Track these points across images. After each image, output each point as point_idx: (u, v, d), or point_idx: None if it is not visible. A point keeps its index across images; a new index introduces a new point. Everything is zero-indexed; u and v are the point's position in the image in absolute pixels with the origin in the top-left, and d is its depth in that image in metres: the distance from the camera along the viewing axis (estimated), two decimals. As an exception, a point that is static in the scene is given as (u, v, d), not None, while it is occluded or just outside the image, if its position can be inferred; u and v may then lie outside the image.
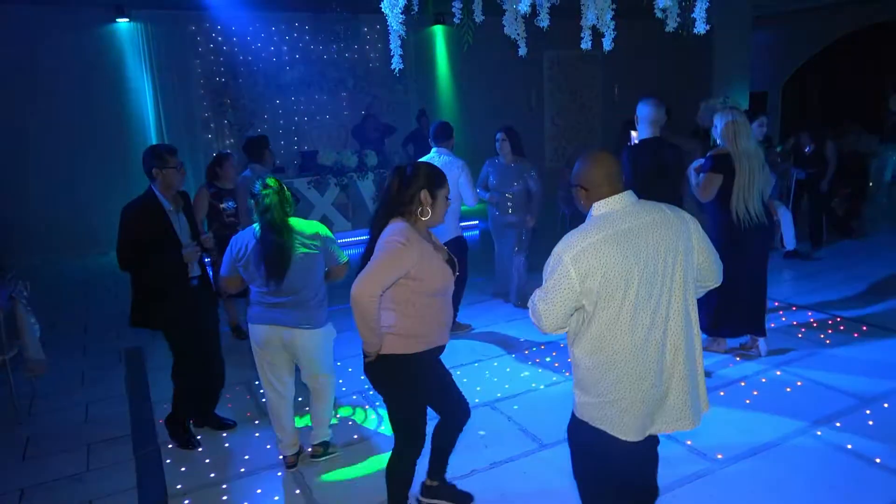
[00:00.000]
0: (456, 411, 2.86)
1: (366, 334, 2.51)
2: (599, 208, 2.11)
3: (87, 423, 4.17)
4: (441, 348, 2.71)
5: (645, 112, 4.26)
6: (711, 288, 2.28)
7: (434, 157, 5.03)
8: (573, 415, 2.26)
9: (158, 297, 3.54)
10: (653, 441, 2.26)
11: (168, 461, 3.61)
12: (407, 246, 2.46)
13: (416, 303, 2.56)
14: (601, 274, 1.99)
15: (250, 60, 9.60)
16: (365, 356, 2.62)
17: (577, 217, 8.48)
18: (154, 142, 9.15)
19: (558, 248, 2.07)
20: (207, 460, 3.60)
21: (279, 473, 3.45)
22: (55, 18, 8.45)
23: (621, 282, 2.00)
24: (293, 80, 9.91)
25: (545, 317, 2.09)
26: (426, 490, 3.06)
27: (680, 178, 4.43)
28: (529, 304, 2.18)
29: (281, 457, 3.52)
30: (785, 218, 7.27)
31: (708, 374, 4.16)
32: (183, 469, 3.52)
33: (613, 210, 2.09)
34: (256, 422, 4.04)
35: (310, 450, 3.54)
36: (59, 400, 4.53)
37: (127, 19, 8.77)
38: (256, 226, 3.19)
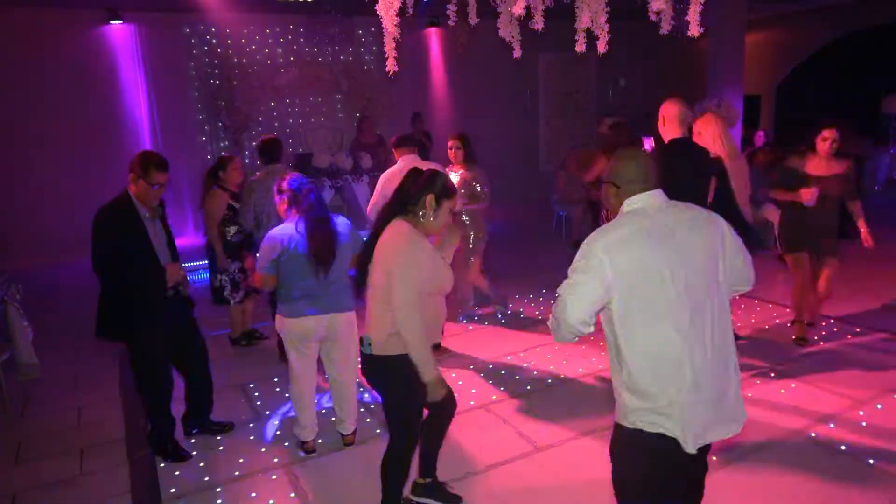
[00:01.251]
0: (447, 405, 2.88)
1: (424, 357, 2.59)
2: (632, 203, 2.06)
3: (80, 427, 4.15)
4: (436, 345, 2.74)
5: (674, 111, 4.02)
6: (743, 291, 2.19)
7: (404, 165, 4.64)
8: (616, 424, 2.09)
9: (126, 307, 3.41)
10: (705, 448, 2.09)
11: (162, 465, 3.59)
12: (413, 246, 2.58)
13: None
14: (636, 265, 1.93)
15: (245, 63, 9.57)
16: (427, 387, 2.64)
17: (571, 219, 8.51)
18: (148, 145, 9.12)
19: (591, 238, 2.00)
20: (202, 464, 3.58)
21: (273, 476, 3.43)
22: (48, 21, 8.42)
23: (657, 276, 1.93)
24: (287, 83, 9.90)
25: (570, 308, 1.95)
26: (417, 488, 3.08)
27: (710, 180, 4.22)
28: (555, 304, 2.05)
29: (301, 440, 3.62)
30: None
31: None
32: (177, 473, 3.50)
33: (646, 206, 2.04)
34: (251, 424, 4.02)
35: (347, 436, 3.68)
36: (51, 403, 4.50)
37: (120, 21, 8.74)
38: (284, 224, 3.38)
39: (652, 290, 1.94)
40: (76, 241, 8.83)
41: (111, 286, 3.41)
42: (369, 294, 2.71)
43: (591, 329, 2.00)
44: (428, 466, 3.06)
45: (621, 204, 2.09)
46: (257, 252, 3.68)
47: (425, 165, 4.26)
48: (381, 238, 2.65)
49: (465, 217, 5.31)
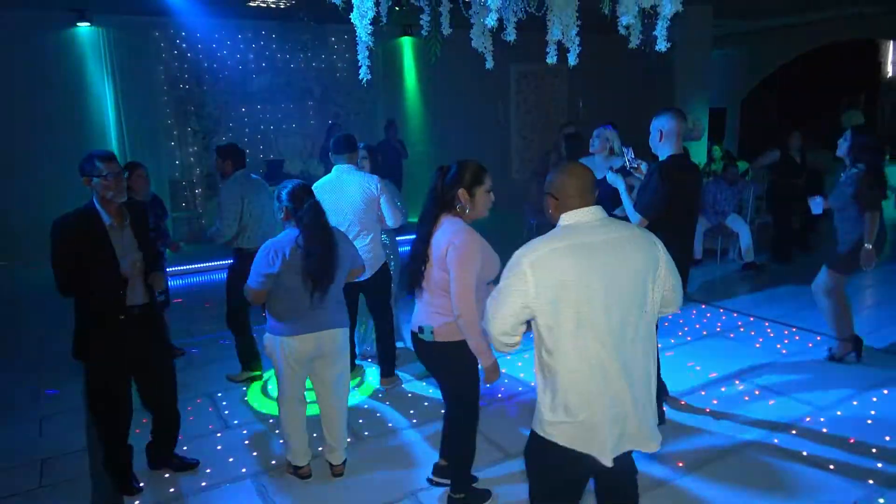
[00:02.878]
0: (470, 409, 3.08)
1: (482, 345, 2.73)
2: (567, 219, 2.08)
3: (40, 438, 4.04)
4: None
5: (672, 125, 3.69)
6: (670, 314, 2.26)
7: (338, 174, 4.30)
8: (533, 432, 2.14)
9: (90, 325, 3.15)
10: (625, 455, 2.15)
11: (126, 476, 3.51)
12: (471, 241, 2.73)
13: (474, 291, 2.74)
14: (559, 282, 1.94)
15: (216, 68, 9.48)
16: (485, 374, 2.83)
17: (543, 227, 8.58)
18: (115, 149, 8.95)
19: (518, 252, 2.03)
20: (167, 475, 3.51)
21: (242, 487, 3.39)
22: (12, 21, 8.23)
23: (581, 294, 1.94)
24: (259, 89, 9.83)
25: (493, 319, 2.04)
26: (438, 470, 3.28)
27: (699, 199, 4.08)
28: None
29: (294, 467, 3.41)
30: (743, 232, 7.50)
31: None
32: (141, 484, 3.42)
33: (581, 222, 2.06)
34: (219, 434, 3.96)
35: (337, 466, 3.44)
36: (11, 414, 4.38)
37: (88, 24, 8.59)
38: (283, 234, 3.17)
39: (577, 307, 1.95)
40: (42, 245, 8.63)
41: (77, 303, 3.16)
42: (425, 287, 2.88)
43: (515, 340, 2.08)
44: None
45: (560, 217, 2.11)
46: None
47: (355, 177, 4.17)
48: (434, 237, 2.81)
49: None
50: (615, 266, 1.99)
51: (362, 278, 4.08)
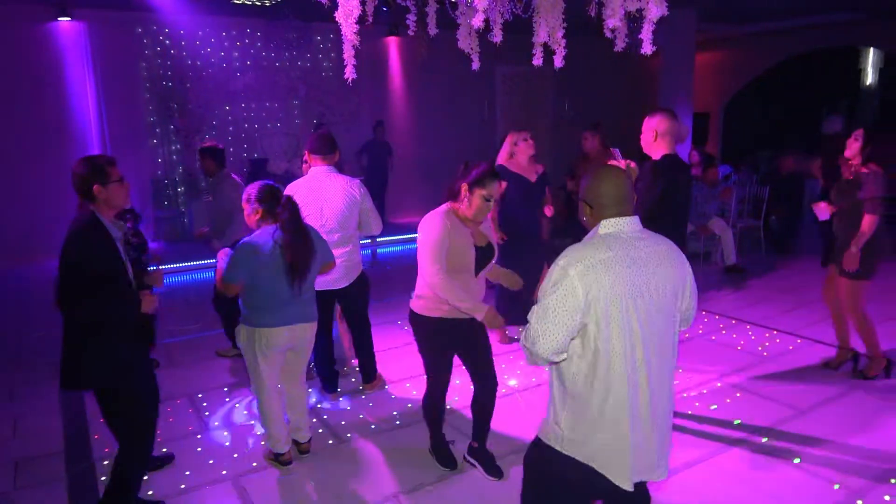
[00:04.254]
0: (483, 381, 3.33)
1: (464, 306, 2.96)
2: (607, 227, 1.96)
3: (15, 439, 3.96)
4: (466, 320, 3.10)
5: (666, 126, 3.70)
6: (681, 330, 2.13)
7: (317, 176, 4.06)
8: (543, 444, 2.05)
9: (105, 347, 2.80)
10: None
11: (103, 478, 3.45)
12: (431, 221, 3.01)
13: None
14: (606, 294, 1.84)
15: (199, 65, 9.39)
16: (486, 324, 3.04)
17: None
18: (96, 147, 8.83)
19: (562, 262, 1.88)
20: (146, 477, 3.46)
21: (222, 488, 3.34)
22: (-9, 15, 8.10)
23: (624, 307, 1.85)
24: (243, 87, 9.76)
25: (543, 338, 1.85)
26: (470, 450, 3.48)
27: (689, 201, 4.12)
28: (524, 333, 1.97)
29: (276, 455, 3.49)
30: (726, 235, 7.57)
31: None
32: (119, 486, 3.37)
33: (622, 231, 1.95)
34: (198, 436, 3.91)
35: (304, 444, 3.63)
36: (-15, 415, 4.29)
37: (69, 19, 8.46)
38: (259, 232, 3.27)
39: (616, 319, 1.85)
40: (15, 244, 8.52)
41: (84, 324, 2.76)
42: None
43: (565, 356, 1.91)
44: (476, 433, 3.42)
45: (596, 223, 2.00)
46: None
47: (335, 178, 4.03)
48: None
49: None
50: (656, 280, 1.92)
51: (340, 286, 4.09)
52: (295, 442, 3.61)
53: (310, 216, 3.66)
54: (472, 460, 3.44)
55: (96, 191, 2.76)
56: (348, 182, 4.10)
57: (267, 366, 3.36)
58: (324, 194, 4.01)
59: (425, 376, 3.35)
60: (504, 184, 4.62)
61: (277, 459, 3.50)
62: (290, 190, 3.87)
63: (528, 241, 5.00)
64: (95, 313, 2.74)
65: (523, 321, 2.04)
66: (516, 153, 5.00)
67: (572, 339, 1.89)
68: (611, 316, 1.85)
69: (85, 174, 2.76)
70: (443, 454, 3.49)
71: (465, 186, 3.00)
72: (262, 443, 3.70)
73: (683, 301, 2.03)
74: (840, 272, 4.33)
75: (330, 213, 4.01)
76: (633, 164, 3.78)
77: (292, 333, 3.35)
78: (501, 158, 5.01)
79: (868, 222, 4.11)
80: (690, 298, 2.06)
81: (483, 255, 3.15)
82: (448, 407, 4.27)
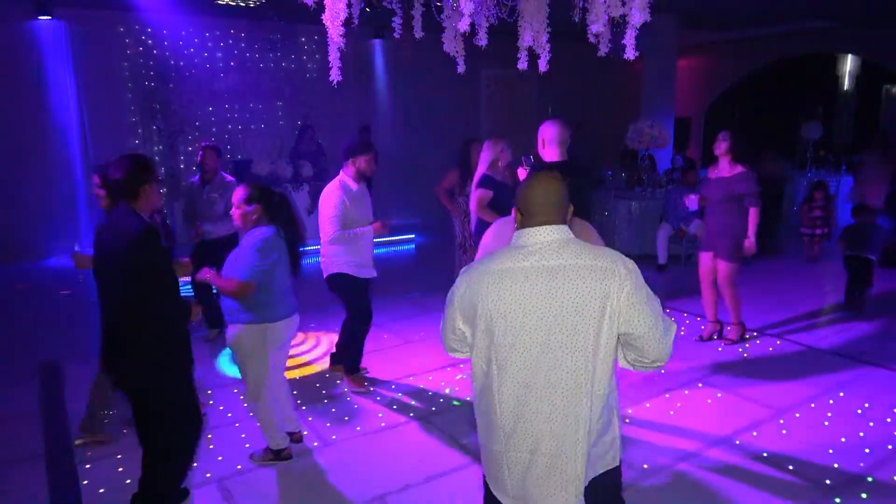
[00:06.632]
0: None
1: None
2: (521, 236, 1.86)
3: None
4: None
5: (552, 133, 3.75)
6: (646, 367, 1.86)
7: (359, 185, 4.39)
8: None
9: (170, 341, 2.79)
10: None
11: (85, 482, 3.42)
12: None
13: None
14: (488, 306, 1.80)
15: (182, 65, 9.32)
16: None
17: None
18: (76, 147, 8.71)
19: (465, 268, 1.94)
20: (128, 480, 3.42)
21: (207, 491, 3.32)
22: (-31, 12, 7.98)
23: (517, 319, 1.77)
24: (227, 88, 9.69)
25: (443, 333, 2.03)
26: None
27: (590, 205, 4.16)
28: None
29: (276, 452, 3.53)
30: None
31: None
32: (101, 491, 3.34)
33: (535, 242, 1.82)
34: (182, 439, 3.88)
35: (297, 434, 3.74)
36: (-37, 418, 4.22)
37: (49, 17, 8.34)
38: (264, 229, 3.35)
39: (512, 334, 1.79)
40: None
41: (150, 324, 2.70)
42: None
43: (466, 354, 2.00)
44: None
45: (516, 233, 1.93)
46: None
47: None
48: None
49: None
50: (557, 296, 1.75)
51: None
52: (289, 434, 3.66)
53: (358, 224, 4.32)
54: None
55: (144, 190, 2.70)
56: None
57: (275, 361, 3.48)
58: (365, 201, 4.50)
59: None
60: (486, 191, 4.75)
61: (279, 456, 3.54)
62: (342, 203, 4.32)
63: None
64: (172, 313, 2.74)
65: None
66: (500, 161, 5.02)
67: (460, 338, 1.97)
68: (493, 330, 1.80)
69: (136, 172, 2.69)
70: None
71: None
72: (251, 451, 3.68)
73: (614, 322, 1.75)
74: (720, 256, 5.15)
75: (364, 221, 4.46)
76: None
77: (293, 324, 3.52)
78: (484, 166, 5.01)
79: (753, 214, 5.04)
80: (629, 321, 1.75)
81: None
82: (455, 404, 4.30)
